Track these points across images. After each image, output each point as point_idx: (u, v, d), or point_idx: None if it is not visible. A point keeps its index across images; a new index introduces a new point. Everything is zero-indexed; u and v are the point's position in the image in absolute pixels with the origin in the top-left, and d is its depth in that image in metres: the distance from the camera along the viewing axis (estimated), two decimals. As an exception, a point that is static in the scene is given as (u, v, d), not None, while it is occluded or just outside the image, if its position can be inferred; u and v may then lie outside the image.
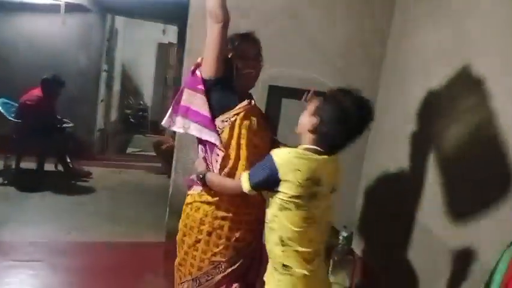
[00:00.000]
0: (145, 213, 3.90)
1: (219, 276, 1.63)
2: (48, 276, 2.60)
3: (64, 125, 4.70)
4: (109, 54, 6.22)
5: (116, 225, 3.53)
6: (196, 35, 2.67)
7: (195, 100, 1.61)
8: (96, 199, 4.21)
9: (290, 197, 1.34)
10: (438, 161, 2.27)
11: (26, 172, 4.41)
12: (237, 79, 1.66)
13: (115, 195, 4.36)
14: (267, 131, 1.74)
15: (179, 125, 1.65)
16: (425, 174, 2.35)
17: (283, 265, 1.40)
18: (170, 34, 7.27)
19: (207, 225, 1.62)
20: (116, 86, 7.11)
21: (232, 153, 1.58)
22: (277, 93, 2.79)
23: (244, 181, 1.42)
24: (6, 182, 4.26)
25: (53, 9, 5.16)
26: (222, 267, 1.63)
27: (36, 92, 4.34)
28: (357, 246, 2.89)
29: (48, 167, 4.64)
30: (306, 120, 1.44)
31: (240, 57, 1.65)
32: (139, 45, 8.03)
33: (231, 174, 1.58)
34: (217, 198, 1.60)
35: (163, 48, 8.61)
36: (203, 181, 1.58)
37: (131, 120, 8.35)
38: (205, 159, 1.67)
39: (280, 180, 1.34)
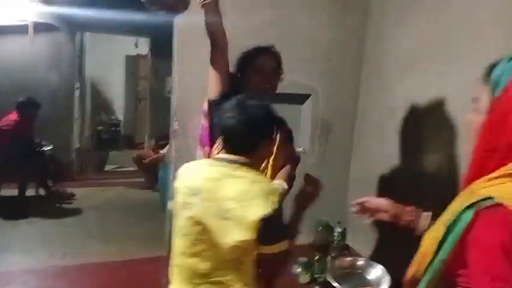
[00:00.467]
0: (136, 229, 3.89)
1: None
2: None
3: (43, 148, 4.60)
4: (80, 72, 6.13)
5: (108, 244, 3.51)
6: (183, 46, 2.70)
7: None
8: (83, 220, 4.15)
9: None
10: (423, 155, 2.41)
11: (7, 200, 4.29)
12: (253, 93, 1.69)
13: (102, 214, 4.32)
14: (282, 144, 1.76)
15: None
16: (411, 168, 2.49)
17: None
18: (142, 46, 7.23)
19: None
20: (88, 103, 7.00)
21: None
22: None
23: None
24: (-13, 211, 4.15)
25: (20, 30, 5.04)
26: None
27: (13, 117, 4.24)
28: (350, 242, 3.00)
29: (29, 192, 4.53)
30: None
31: (256, 72, 1.73)
32: (108, 59, 7.92)
33: None
34: None
35: (131, 61, 8.53)
36: None
37: (104, 136, 8.22)
38: None
39: None
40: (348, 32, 3.00)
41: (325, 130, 2.98)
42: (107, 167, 6.62)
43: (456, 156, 2.16)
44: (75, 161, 6.00)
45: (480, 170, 0.89)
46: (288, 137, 1.90)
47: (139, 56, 8.45)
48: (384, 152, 2.79)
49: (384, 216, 1.28)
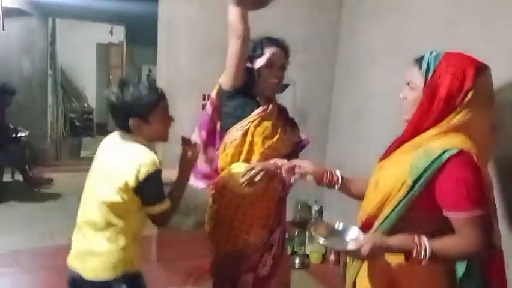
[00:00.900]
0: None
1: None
2: (47, 278, 2.69)
3: (19, 134, 4.59)
4: (53, 59, 6.07)
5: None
6: (169, 37, 2.84)
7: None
8: (65, 204, 4.21)
9: None
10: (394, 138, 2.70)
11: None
12: (260, 86, 1.72)
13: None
14: (286, 133, 1.78)
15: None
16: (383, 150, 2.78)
17: None
18: (116, 34, 7.19)
19: None
20: (60, 90, 6.92)
21: (242, 157, 1.68)
22: (247, 88, 3.07)
23: None
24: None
25: (-8, 15, 4.95)
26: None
27: (-13, 103, 4.22)
28: (327, 218, 3.28)
29: (6, 177, 4.53)
30: None
31: (266, 66, 1.69)
32: (81, 47, 7.83)
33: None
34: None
35: (103, 49, 8.45)
36: None
37: (77, 123, 8.13)
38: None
39: None
40: (323, 26, 3.26)
41: (302, 117, 3.22)
42: (83, 153, 6.61)
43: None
44: (50, 147, 5.97)
45: (417, 129, 1.19)
46: (292, 124, 1.90)
47: (110, 44, 8.38)
48: (357, 137, 3.07)
49: (310, 177, 1.48)
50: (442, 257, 1.11)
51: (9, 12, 4.97)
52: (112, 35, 7.25)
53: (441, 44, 2.31)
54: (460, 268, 1.18)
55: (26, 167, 4.66)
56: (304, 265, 3.08)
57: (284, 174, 1.53)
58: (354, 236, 1.21)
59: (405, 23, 2.66)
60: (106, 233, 1.42)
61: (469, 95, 1.11)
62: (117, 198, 1.39)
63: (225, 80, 1.71)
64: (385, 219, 1.19)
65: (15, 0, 4.99)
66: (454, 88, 1.11)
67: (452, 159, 1.08)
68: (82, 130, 8.00)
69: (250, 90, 1.73)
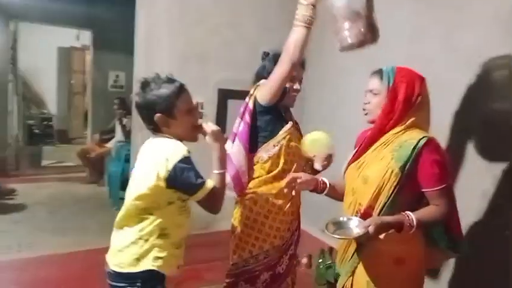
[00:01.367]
0: (88, 222, 3.91)
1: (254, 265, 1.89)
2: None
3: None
4: (13, 63, 5.84)
5: (61, 236, 3.51)
6: (148, 45, 2.84)
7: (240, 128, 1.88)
8: (32, 215, 4.07)
9: None
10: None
11: None
12: (285, 100, 1.86)
13: (49, 209, 4.25)
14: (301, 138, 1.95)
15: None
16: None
17: None
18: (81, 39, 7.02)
19: None
20: (20, 96, 6.66)
21: (278, 168, 1.83)
22: (224, 95, 3.12)
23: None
24: None
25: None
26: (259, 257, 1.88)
27: None
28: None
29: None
30: None
31: (291, 80, 1.82)
32: (42, 51, 7.56)
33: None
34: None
35: (65, 53, 8.20)
36: None
37: (36, 131, 7.83)
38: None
39: None
40: (296, 37, 3.36)
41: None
42: (44, 162, 6.38)
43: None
44: (10, 156, 5.72)
45: (383, 127, 1.48)
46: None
47: (73, 49, 8.16)
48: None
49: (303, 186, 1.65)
50: (424, 223, 1.40)
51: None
52: (78, 39, 7.06)
53: (407, 53, 2.51)
54: None
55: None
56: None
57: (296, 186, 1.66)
58: (356, 224, 1.39)
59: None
60: (134, 227, 1.44)
61: (419, 99, 1.45)
62: (146, 191, 1.39)
63: (265, 96, 1.80)
64: (383, 206, 1.43)
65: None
66: (409, 93, 1.44)
67: (425, 146, 1.38)
68: (42, 137, 7.72)
69: (277, 105, 1.85)
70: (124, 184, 4.31)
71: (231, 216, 1.97)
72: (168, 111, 1.43)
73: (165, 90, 1.43)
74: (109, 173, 4.81)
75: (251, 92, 1.90)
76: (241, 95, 3.22)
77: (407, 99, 1.44)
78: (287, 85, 1.82)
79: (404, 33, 2.54)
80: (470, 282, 2.08)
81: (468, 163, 2.08)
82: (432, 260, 1.58)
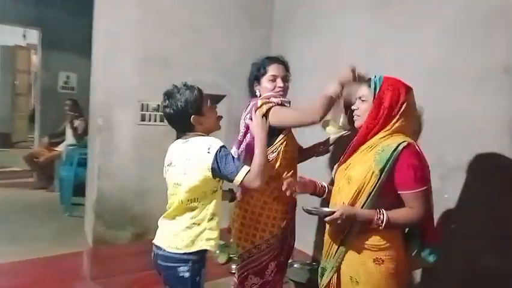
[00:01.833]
0: (38, 229, 3.73)
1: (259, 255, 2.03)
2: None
3: None
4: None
5: (12, 245, 3.33)
6: (108, 47, 2.78)
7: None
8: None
9: None
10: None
11: None
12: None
13: (-3, 216, 4.00)
14: (295, 141, 2.12)
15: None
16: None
17: None
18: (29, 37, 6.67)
19: None
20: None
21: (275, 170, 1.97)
22: (186, 99, 3.12)
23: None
24: None
25: None
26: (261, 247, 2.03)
27: None
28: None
29: None
30: None
31: (271, 81, 2.05)
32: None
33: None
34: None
35: (8, 52, 7.74)
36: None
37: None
38: None
39: None
40: (256, 42, 3.44)
41: (238, 128, 3.33)
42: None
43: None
44: None
45: (368, 131, 1.57)
46: None
47: (17, 47, 7.74)
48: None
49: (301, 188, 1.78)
50: (396, 223, 1.49)
51: None
52: (25, 38, 6.70)
53: (365, 61, 2.65)
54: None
55: None
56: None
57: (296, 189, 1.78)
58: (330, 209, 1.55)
59: (332, 41, 2.95)
60: (186, 215, 1.66)
61: (404, 106, 1.54)
62: (196, 183, 1.61)
63: (275, 122, 1.93)
64: (363, 205, 1.51)
65: None
66: (394, 100, 1.54)
67: (404, 150, 1.47)
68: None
69: None
70: (76, 189, 4.23)
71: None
72: (199, 111, 1.67)
73: (190, 95, 1.66)
74: (60, 178, 4.60)
75: (259, 105, 1.97)
76: (211, 98, 3.25)
77: (391, 106, 1.53)
78: (269, 85, 2.04)
79: (362, 40, 2.69)
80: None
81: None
82: (412, 263, 1.64)
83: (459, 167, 2.05)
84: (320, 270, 1.72)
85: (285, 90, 2.09)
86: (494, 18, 1.96)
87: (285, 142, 2.00)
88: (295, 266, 2.91)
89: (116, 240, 2.93)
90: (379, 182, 1.48)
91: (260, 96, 2.10)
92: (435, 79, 2.18)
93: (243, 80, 3.40)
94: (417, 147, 1.50)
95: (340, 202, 1.59)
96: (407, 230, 1.63)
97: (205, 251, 1.68)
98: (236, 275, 2.11)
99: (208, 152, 1.58)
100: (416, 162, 1.47)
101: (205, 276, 1.73)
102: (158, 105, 2.96)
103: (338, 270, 1.62)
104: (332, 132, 2.07)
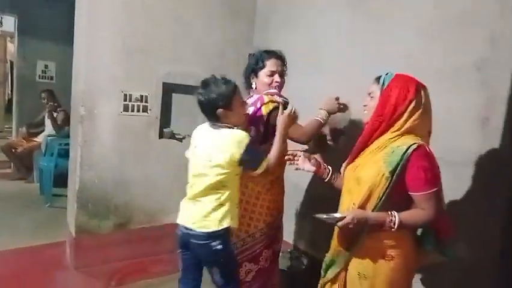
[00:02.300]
0: (18, 220, 3.70)
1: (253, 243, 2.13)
2: None
3: None
4: None
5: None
6: (92, 37, 2.75)
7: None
8: None
9: None
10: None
11: None
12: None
13: (-27, 208, 3.94)
14: None
15: None
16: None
17: None
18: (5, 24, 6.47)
19: None
20: None
21: None
22: (168, 89, 3.13)
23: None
24: None
25: None
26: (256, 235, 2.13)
27: None
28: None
29: None
30: None
31: (271, 75, 2.15)
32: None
33: None
34: None
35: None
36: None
37: None
38: None
39: None
40: (238, 34, 3.47)
41: (221, 118, 3.38)
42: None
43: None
44: None
45: (373, 131, 1.56)
46: None
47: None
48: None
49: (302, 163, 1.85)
50: (408, 225, 1.49)
51: None
52: (1, 25, 6.50)
53: (343, 53, 2.73)
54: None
55: None
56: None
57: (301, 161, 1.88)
58: (341, 215, 1.53)
59: (312, 33, 3.01)
60: (211, 197, 1.80)
61: (412, 104, 1.50)
62: (225, 170, 1.77)
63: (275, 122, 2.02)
64: (374, 207, 1.52)
65: None
66: (400, 98, 1.50)
67: (414, 152, 1.45)
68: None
69: None
70: (57, 180, 4.19)
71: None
72: (227, 106, 1.79)
73: (224, 89, 1.78)
74: (40, 169, 4.55)
75: (265, 101, 2.08)
76: (186, 89, 3.27)
77: (397, 104, 1.49)
78: (266, 80, 2.14)
79: (341, 33, 2.76)
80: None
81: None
82: (423, 259, 1.64)
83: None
84: (324, 264, 1.74)
85: (281, 85, 2.18)
86: (467, 18, 2.05)
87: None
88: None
89: (99, 229, 2.93)
90: (390, 184, 1.48)
91: (256, 88, 2.19)
92: (412, 75, 2.27)
93: (225, 71, 3.44)
94: (427, 148, 1.48)
95: (350, 204, 1.58)
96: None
97: (229, 227, 1.84)
98: None
99: (239, 143, 1.75)
100: (427, 164, 1.45)
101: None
102: (142, 95, 2.97)
103: (346, 268, 1.63)
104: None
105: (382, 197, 1.50)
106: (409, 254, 1.55)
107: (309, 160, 1.84)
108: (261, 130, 2.09)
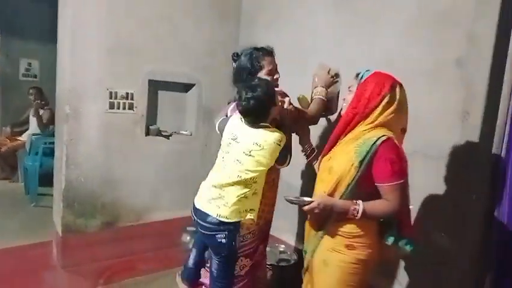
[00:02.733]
0: (4, 219, 3.67)
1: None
2: None
3: None
4: None
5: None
6: (76, 36, 2.74)
7: None
8: None
9: None
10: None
11: None
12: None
13: (-44, 209, 3.88)
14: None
15: None
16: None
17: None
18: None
19: None
20: None
21: None
22: (155, 86, 3.13)
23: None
24: None
25: None
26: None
27: None
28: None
29: None
30: None
31: (271, 73, 2.15)
32: None
33: None
34: None
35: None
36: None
37: None
38: None
39: None
40: (225, 34, 3.49)
41: (208, 113, 3.40)
42: None
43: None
44: None
45: (347, 123, 1.62)
46: None
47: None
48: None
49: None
50: (371, 214, 1.54)
51: None
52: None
53: (329, 52, 2.76)
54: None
55: None
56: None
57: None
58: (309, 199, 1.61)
59: (298, 33, 3.03)
60: (237, 188, 1.84)
61: (385, 99, 1.55)
62: (261, 167, 1.83)
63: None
64: (341, 196, 1.57)
65: None
66: (375, 92, 1.56)
67: (383, 143, 1.50)
68: None
69: None
70: (42, 179, 4.14)
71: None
72: (274, 101, 1.85)
73: (267, 87, 1.82)
74: (24, 168, 4.49)
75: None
76: (172, 86, 3.26)
77: (372, 96, 1.54)
78: (268, 77, 2.13)
79: (330, 38, 2.79)
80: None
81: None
82: (386, 252, 1.67)
83: (415, 153, 2.19)
84: (303, 253, 1.80)
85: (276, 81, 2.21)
86: (448, 18, 2.10)
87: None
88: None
89: (85, 228, 2.93)
90: (358, 173, 1.52)
91: None
92: (394, 72, 2.32)
93: (213, 69, 3.46)
94: (395, 141, 1.51)
95: (321, 192, 1.63)
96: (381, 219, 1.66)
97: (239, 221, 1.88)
98: None
99: (279, 145, 1.83)
100: (393, 156, 1.49)
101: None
102: (127, 92, 2.96)
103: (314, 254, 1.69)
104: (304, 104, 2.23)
105: (349, 185, 1.55)
106: (372, 245, 1.59)
107: None
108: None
